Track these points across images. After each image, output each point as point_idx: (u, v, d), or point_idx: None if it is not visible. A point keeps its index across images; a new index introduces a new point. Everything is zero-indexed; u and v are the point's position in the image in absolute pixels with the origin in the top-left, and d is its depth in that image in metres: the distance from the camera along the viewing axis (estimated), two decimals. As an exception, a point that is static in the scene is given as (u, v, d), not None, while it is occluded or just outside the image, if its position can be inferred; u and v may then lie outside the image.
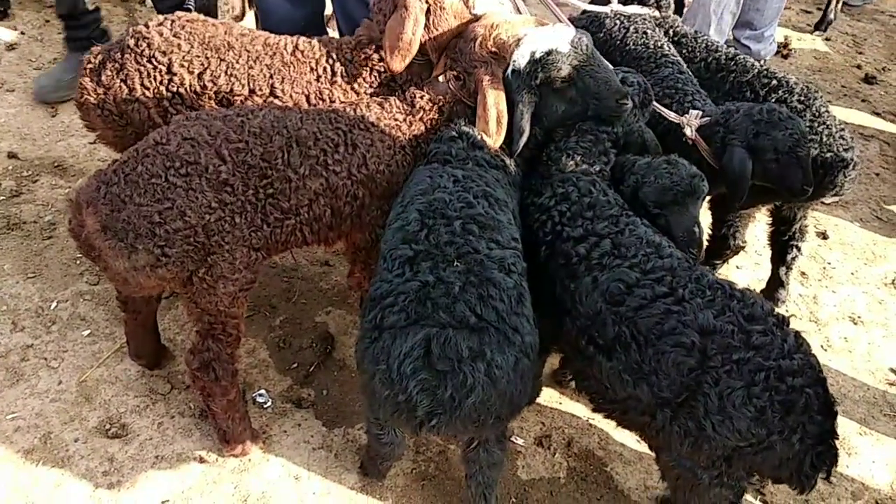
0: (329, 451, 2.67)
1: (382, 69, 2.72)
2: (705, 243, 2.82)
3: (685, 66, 3.29)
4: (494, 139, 2.53)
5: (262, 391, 2.85)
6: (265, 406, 2.80)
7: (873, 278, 3.79)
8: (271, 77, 2.65)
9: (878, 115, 5.23)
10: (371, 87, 2.74)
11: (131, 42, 2.60)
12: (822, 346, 3.32)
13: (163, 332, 2.92)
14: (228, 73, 2.61)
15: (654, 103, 2.91)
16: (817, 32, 6.12)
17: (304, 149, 2.37)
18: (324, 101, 2.69)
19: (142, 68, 2.57)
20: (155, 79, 2.58)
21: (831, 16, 6.05)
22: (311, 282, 3.40)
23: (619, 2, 3.64)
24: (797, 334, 2.02)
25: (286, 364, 2.99)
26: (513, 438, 2.76)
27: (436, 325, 1.85)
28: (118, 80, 2.58)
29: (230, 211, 2.24)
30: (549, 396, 2.94)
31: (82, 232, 2.20)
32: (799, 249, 3.32)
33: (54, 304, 3.07)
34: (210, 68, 2.60)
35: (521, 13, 3.05)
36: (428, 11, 2.64)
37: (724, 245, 3.24)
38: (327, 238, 2.57)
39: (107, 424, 2.65)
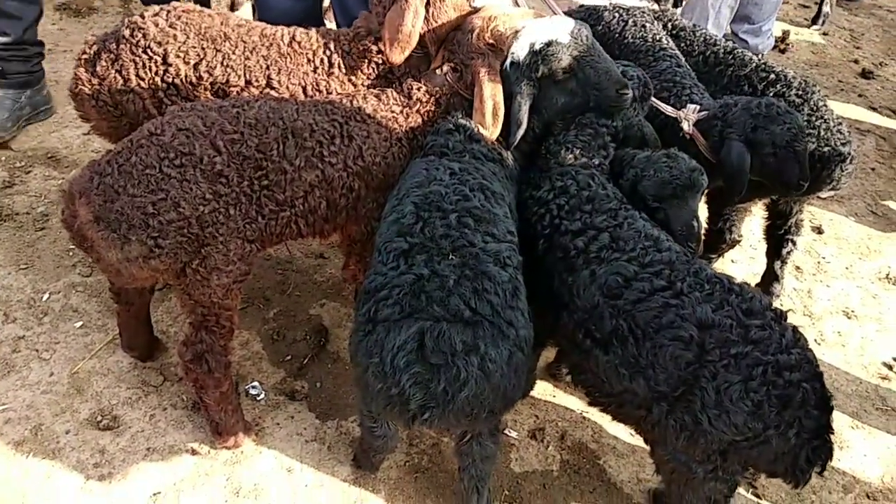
0: (322, 444, 2.67)
1: (380, 61, 2.71)
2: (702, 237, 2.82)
3: (683, 59, 3.28)
4: (490, 131, 2.52)
5: (256, 383, 2.84)
6: (258, 398, 2.80)
7: (867, 273, 3.79)
8: (268, 68, 2.63)
9: (874, 109, 5.23)
10: (369, 78, 2.72)
11: (126, 32, 2.57)
12: (815, 340, 3.33)
13: (155, 323, 2.91)
14: (224, 63, 2.59)
15: (652, 98, 2.90)
16: (815, 27, 6.11)
17: (300, 140, 2.35)
18: (321, 92, 2.67)
19: (137, 59, 2.55)
20: (150, 69, 2.56)
21: (826, 8, 6.03)
22: (306, 274, 3.39)
23: None
24: (795, 329, 2.02)
25: (280, 356, 2.99)
26: (506, 431, 2.76)
27: (430, 318, 1.84)
28: (113, 71, 2.56)
29: (225, 202, 2.22)
30: (543, 389, 2.94)
31: (75, 222, 2.19)
32: (794, 244, 3.32)
33: (46, 296, 3.06)
34: (206, 59, 2.58)
35: (519, 6, 3.04)
36: (428, 3, 2.63)
37: (720, 239, 3.24)
38: (322, 230, 2.56)
39: (98, 416, 2.64)
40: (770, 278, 3.40)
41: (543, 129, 2.68)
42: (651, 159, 2.52)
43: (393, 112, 2.55)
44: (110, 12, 5.07)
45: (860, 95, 5.38)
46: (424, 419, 1.84)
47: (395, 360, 1.80)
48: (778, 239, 3.32)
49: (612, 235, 2.24)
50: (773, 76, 3.12)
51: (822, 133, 2.92)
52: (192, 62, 2.58)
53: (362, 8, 2.89)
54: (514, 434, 2.78)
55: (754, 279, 3.50)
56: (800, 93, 3.03)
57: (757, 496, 2.65)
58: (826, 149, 2.91)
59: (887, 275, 3.79)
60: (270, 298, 3.23)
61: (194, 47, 2.58)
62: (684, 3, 4.85)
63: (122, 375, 2.80)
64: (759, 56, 3.35)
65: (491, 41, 2.56)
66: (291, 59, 2.65)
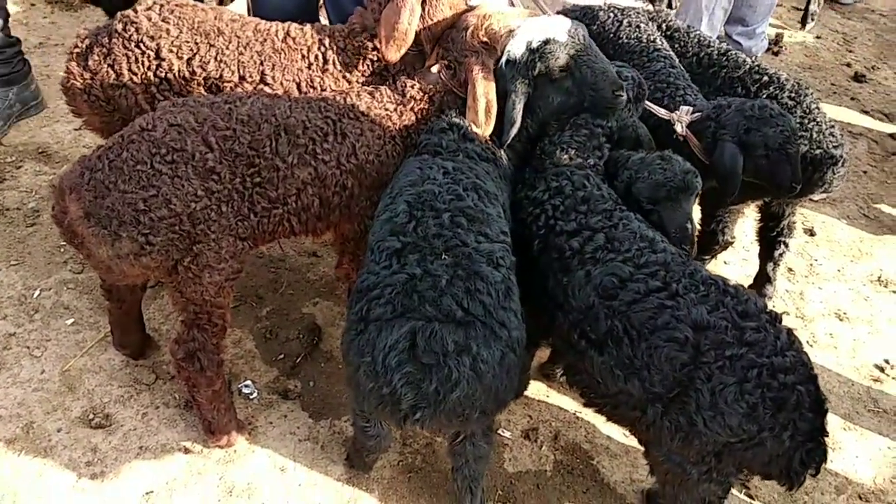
0: (315, 443, 2.66)
1: (375, 58, 2.70)
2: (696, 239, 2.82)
3: (677, 60, 3.29)
4: (483, 129, 2.52)
5: (248, 382, 2.83)
6: (251, 397, 2.78)
7: (859, 275, 3.81)
8: (262, 64, 2.61)
9: (866, 113, 5.25)
10: (363, 75, 2.72)
11: (119, 26, 2.56)
12: (807, 342, 3.34)
13: (147, 321, 2.90)
14: (218, 58, 2.58)
15: (645, 101, 2.90)
16: (807, 28, 6.11)
17: (293, 137, 2.34)
18: (315, 89, 2.66)
19: (129, 53, 2.54)
20: (143, 64, 2.55)
21: (814, 7, 6.00)
22: (299, 272, 3.37)
23: None
24: (790, 331, 2.02)
25: (272, 355, 2.97)
26: (500, 431, 2.76)
27: (422, 318, 1.84)
28: (105, 65, 2.54)
29: (216, 199, 2.21)
30: (536, 389, 2.94)
31: (65, 219, 2.18)
32: (786, 246, 3.33)
33: (37, 293, 3.03)
34: (199, 54, 2.57)
35: (513, 6, 3.04)
36: (424, 2, 2.62)
37: (712, 240, 3.25)
38: (315, 228, 2.55)
39: (90, 414, 2.62)
40: (762, 280, 3.41)
41: (538, 129, 2.67)
42: (645, 161, 2.52)
43: (387, 110, 2.54)
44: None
45: (852, 99, 5.40)
46: (416, 419, 1.83)
47: (386, 360, 1.80)
48: (770, 241, 3.33)
49: (608, 236, 2.23)
50: (766, 78, 3.13)
51: (815, 136, 2.93)
52: (186, 57, 2.56)
53: (356, 4, 2.88)
54: (507, 434, 2.78)
55: (747, 281, 3.50)
56: (793, 95, 3.04)
57: (750, 497, 2.66)
58: (818, 151, 2.92)
59: (879, 277, 3.80)
60: (263, 297, 3.22)
61: (187, 42, 2.56)
62: (678, 4, 4.86)
63: (114, 373, 2.78)
64: (753, 58, 3.36)
65: (485, 39, 2.56)
66: (285, 55, 2.64)
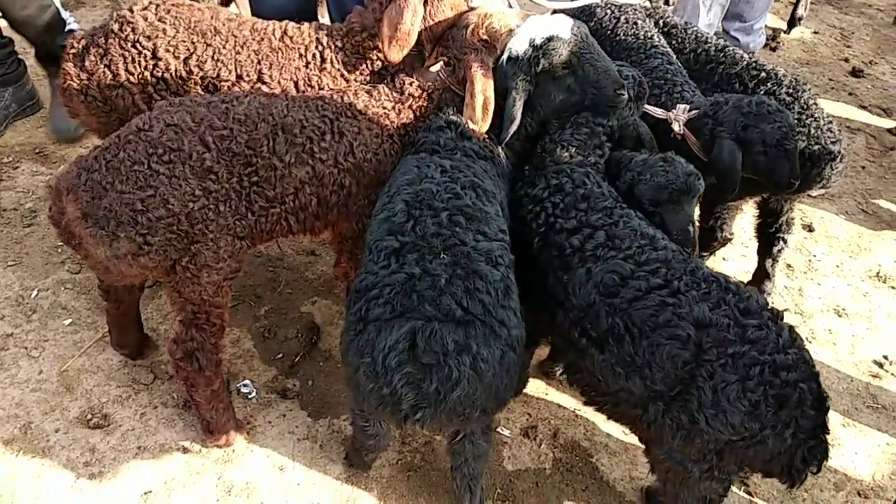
0: (314, 442, 2.66)
1: (374, 57, 2.69)
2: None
3: (674, 56, 3.28)
4: (480, 126, 2.52)
5: (247, 381, 2.83)
6: (250, 396, 2.78)
7: (858, 271, 3.81)
8: (259, 63, 2.60)
9: (864, 108, 5.25)
10: (361, 74, 2.71)
11: (115, 27, 2.55)
12: (806, 338, 3.33)
13: (145, 321, 2.89)
14: (215, 58, 2.57)
15: (640, 101, 2.90)
16: (792, 33, 6.05)
17: (290, 136, 2.34)
18: (313, 88, 2.65)
19: (126, 53, 2.53)
20: (140, 64, 2.54)
21: (801, 11, 5.98)
22: (297, 271, 3.37)
23: None
24: (792, 329, 2.02)
25: (271, 354, 2.97)
26: (499, 429, 2.76)
27: (421, 317, 1.83)
28: (102, 66, 2.53)
29: (214, 199, 2.21)
30: (535, 387, 2.94)
31: (63, 219, 2.17)
32: (785, 242, 3.33)
33: (35, 293, 3.03)
34: (196, 53, 2.56)
35: (511, 7, 3.04)
36: (425, 2, 2.61)
37: (711, 237, 3.24)
38: (313, 227, 2.54)
39: (88, 415, 2.62)
40: (761, 276, 3.41)
41: (538, 128, 2.67)
42: (648, 163, 2.51)
43: (384, 108, 2.54)
44: (98, 6, 5.03)
45: (850, 94, 5.39)
46: (416, 419, 1.83)
47: (386, 360, 1.79)
48: (769, 237, 3.33)
49: (608, 233, 2.23)
50: (763, 74, 3.13)
51: (813, 131, 2.92)
52: (182, 56, 2.55)
53: (357, 3, 2.87)
54: (506, 432, 2.77)
55: (745, 277, 3.50)
56: (790, 91, 3.04)
57: (749, 494, 2.66)
58: (816, 147, 2.92)
59: (878, 273, 3.80)
60: (261, 296, 3.21)
61: (184, 41, 2.55)
62: (675, 0, 4.85)
63: (112, 373, 2.78)
64: (750, 54, 3.35)
65: (485, 37, 2.56)
66: (283, 53, 2.63)
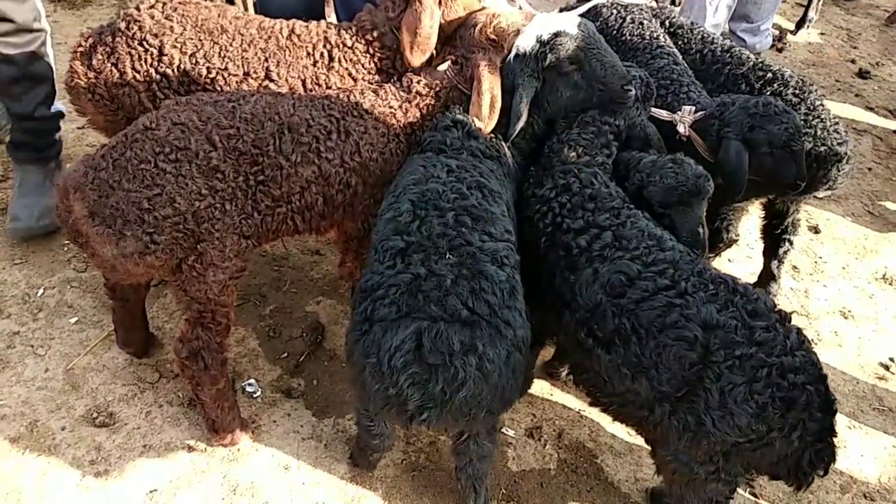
0: (319, 442, 2.66)
1: (382, 55, 2.69)
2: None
3: (681, 57, 3.28)
4: (486, 123, 2.52)
5: (252, 380, 2.83)
6: (254, 395, 2.78)
7: (864, 273, 3.80)
8: (266, 61, 2.60)
9: (871, 109, 5.23)
10: (369, 73, 2.71)
11: (122, 25, 2.55)
12: (812, 340, 3.31)
13: (151, 320, 2.90)
14: (222, 56, 2.57)
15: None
16: (803, 31, 6.04)
17: (297, 135, 2.34)
18: (320, 86, 2.65)
19: (133, 52, 2.53)
20: (147, 62, 2.54)
21: (812, 14, 5.96)
22: (302, 271, 3.37)
23: None
24: (799, 331, 2.01)
25: (276, 353, 2.97)
26: (504, 430, 2.75)
27: (427, 318, 1.83)
28: (109, 64, 2.54)
29: (220, 198, 2.21)
30: (540, 388, 2.94)
31: (69, 218, 2.17)
32: (791, 243, 3.32)
33: (41, 291, 3.04)
34: (203, 51, 2.56)
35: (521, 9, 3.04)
36: (440, 3, 2.62)
37: (717, 238, 3.23)
38: (319, 227, 2.55)
39: (94, 413, 2.62)
40: (767, 278, 3.40)
41: (544, 126, 2.66)
42: (657, 165, 2.50)
43: (391, 107, 2.54)
44: (105, 4, 5.04)
45: (857, 95, 5.38)
46: (422, 419, 1.83)
47: (392, 361, 1.79)
48: (775, 238, 3.32)
49: (615, 234, 2.22)
50: (770, 75, 3.12)
51: (819, 133, 2.91)
52: (189, 55, 2.56)
53: (365, 1, 2.87)
54: (511, 432, 2.77)
55: (751, 279, 3.49)
56: (797, 92, 3.03)
57: (754, 496, 2.65)
58: (823, 148, 2.91)
59: (884, 275, 3.79)
60: (266, 295, 3.21)
61: (191, 39, 2.56)
62: (682, 0, 4.84)
63: (118, 372, 2.78)
64: (757, 55, 3.35)
65: (493, 36, 2.56)
66: (290, 52, 2.63)
